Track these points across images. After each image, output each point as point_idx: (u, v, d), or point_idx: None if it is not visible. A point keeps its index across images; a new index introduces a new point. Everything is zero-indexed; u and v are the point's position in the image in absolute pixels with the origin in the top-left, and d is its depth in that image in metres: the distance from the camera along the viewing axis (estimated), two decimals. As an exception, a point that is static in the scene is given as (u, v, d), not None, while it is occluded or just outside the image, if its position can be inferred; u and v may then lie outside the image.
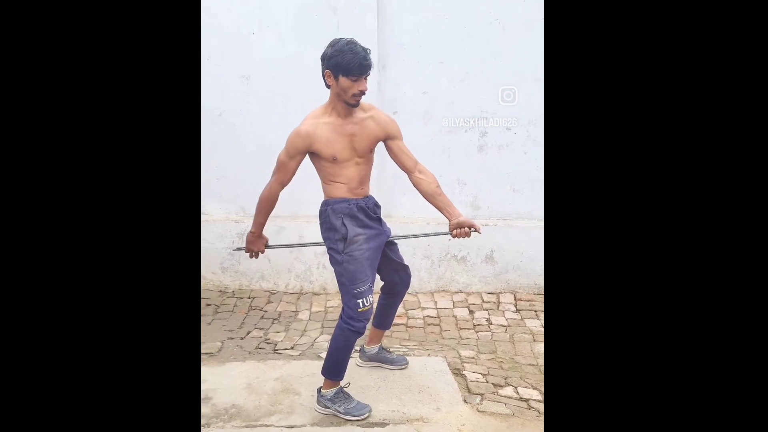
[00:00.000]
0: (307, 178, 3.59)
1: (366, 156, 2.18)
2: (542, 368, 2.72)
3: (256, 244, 2.34)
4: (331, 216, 2.17)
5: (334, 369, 2.23)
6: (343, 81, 1.98)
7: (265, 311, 3.45)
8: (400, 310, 3.42)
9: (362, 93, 2.03)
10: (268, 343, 3.00)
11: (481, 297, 3.56)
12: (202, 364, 2.66)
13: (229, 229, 3.73)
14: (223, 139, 3.67)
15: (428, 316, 3.36)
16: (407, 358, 2.63)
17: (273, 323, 3.29)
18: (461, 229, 2.17)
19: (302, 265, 3.72)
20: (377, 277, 2.33)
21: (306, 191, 3.64)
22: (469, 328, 3.22)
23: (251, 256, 2.36)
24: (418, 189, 2.24)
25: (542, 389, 2.48)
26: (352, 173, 2.15)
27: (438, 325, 3.27)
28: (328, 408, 2.22)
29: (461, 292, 3.64)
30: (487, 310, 3.42)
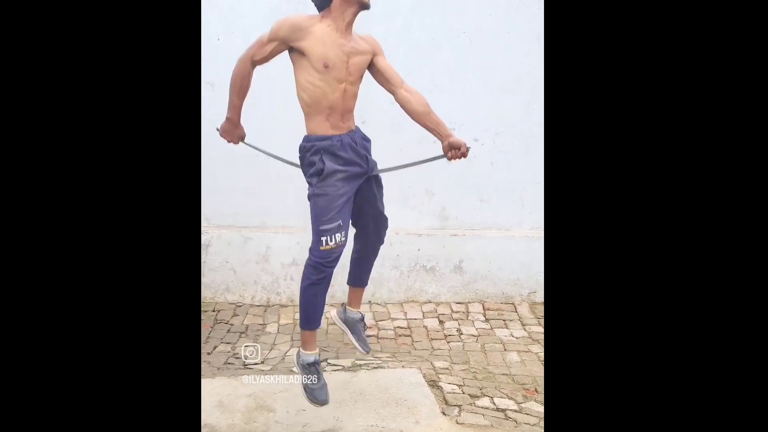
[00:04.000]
0: (273, 187, 3.52)
1: (356, 83, 2.05)
2: (515, 378, 2.75)
3: (231, 133, 2.22)
4: (310, 151, 2.03)
5: (305, 316, 2.11)
6: None
7: (232, 324, 3.35)
8: (370, 321, 3.40)
9: None
10: (236, 358, 2.91)
11: (450, 307, 3.57)
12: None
13: (192, 240, 3.60)
14: (187, 148, 3.56)
15: (399, 327, 3.34)
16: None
17: (240, 337, 3.20)
18: (456, 150, 2.00)
19: (269, 276, 3.64)
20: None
21: (273, 201, 3.59)
22: (440, 339, 3.22)
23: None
24: (406, 108, 2.09)
25: (518, 399, 2.50)
26: (336, 100, 1.99)
27: (409, 336, 3.26)
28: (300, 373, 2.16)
29: (430, 302, 3.64)
30: (456, 320, 3.43)
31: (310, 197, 2.04)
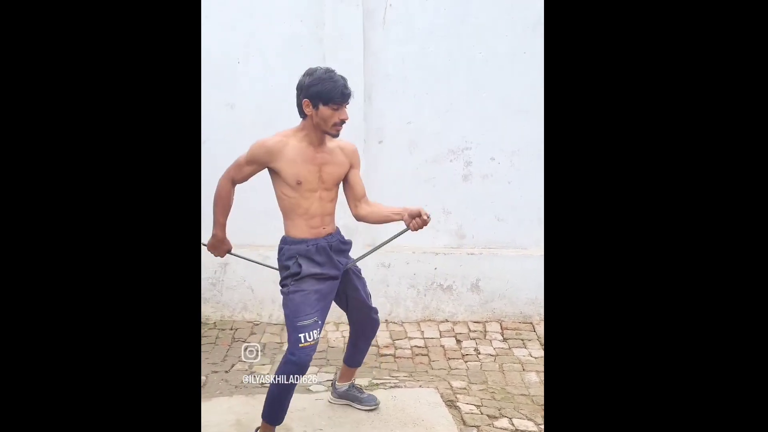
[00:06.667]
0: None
1: (332, 189, 2.11)
2: (534, 398, 2.72)
3: (218, 248, 2.27)
4: (285, 254, 2.09)
5: (273, 412, 2.08)
6: (324, 110, 1.95)
7: (249, 343, 3.36)
8: (386, 340, 3.39)
9: (343, 122, 1.99)
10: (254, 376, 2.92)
11: (468, 326, 3.55)
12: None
13: (211, 259, 3.62)
14: (206, 168, 3.59)
15: (416, 346, 3.33)
16: (377, 397, 2.50)
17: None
18: (416, 219, 1.99)
19: (286, 295, 3.66)
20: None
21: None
22: (457, 358, 3.20)
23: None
24: (362, 213, 2.17)
25: (537, 420, 2.47)
26: (314, 207, 2.06)
27: (426, 355, 3.24)
28: None
29: (447, 321, 3.62)
30: (474, 339, 3.41)
31: (284, 296, 2.07)
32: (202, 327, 3.53)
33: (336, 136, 2.03)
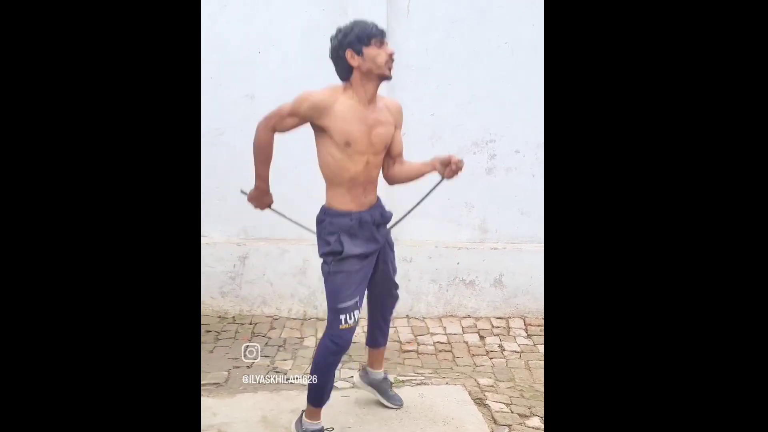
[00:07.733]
0: (310, 200, 3.50)
1: (380, 153, 2.01)
2: (564, 396, 2.66)
3: (259, 200, 2.16)
4: (327, 229, 1.98)
5: (316, 394, 2.06)
6: (369, 50, 1.84)
7: (269, 338, 3.32)
8: (408, 335, 3.34)
9: (392, 57, 1.88)
10: (277, 372, 2.87)
11: (491, 322, 3.49)
12: (211, 395, 2.52)
13: (230, 252, 3.60)
14: (225, 160, 3.56)
15: (439, 342, 3.27)
16: (402, 398, 2.45)
17: (279, 351, 3.16)
18: (448, 167, 1.92)
19: (306, 289, 3.60)
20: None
21: (310, 214, 3.57)
22: (482, 355, 3.14)
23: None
24: (392, 173, 2.09)
25: (569, 419, 2.41)
26: (359, 173, 1.95)
27: (450, 351, 3.18)
28: None
29: (470, 317, 3.56)
30: (498, 335, 3.35)
31: (325, 274, 1.99)
32: (221, 322, 3.48)
33: (390, 77, 1.91)
